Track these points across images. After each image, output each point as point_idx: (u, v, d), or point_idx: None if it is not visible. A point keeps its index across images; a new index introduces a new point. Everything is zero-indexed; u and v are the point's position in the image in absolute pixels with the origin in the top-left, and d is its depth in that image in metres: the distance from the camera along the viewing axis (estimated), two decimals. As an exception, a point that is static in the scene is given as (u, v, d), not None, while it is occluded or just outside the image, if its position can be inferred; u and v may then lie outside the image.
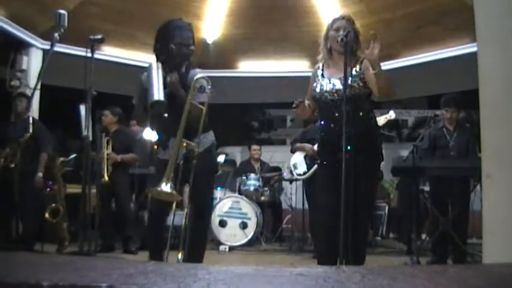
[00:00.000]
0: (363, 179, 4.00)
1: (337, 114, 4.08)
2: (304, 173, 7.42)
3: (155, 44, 4.56)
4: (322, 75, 4.31)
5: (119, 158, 7.53)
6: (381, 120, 6.70)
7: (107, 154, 7.45)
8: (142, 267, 1.75)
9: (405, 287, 1.28)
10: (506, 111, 2.87)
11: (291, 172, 8.74)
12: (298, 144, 7.65)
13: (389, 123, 7.39)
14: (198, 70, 4.55)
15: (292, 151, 7.78)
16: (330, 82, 4.23)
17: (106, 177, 7.26)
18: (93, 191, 6.50)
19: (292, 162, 7.72)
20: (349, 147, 3.76)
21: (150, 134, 7.84)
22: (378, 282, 1.32)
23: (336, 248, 3.79)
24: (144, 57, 9.85)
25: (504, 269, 1.76)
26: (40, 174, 7.06)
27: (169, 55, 4.45)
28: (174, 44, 4.43)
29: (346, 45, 4.02)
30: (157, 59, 4.50)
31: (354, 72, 4.14)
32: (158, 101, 4.24)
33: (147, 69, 4.37)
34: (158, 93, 4.24)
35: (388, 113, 6.96)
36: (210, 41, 9.76)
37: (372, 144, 4.17)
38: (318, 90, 4.27)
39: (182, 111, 4.29)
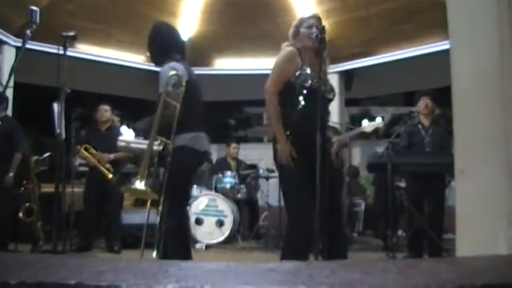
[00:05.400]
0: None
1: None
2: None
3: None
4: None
5: (112, 156, 7.44)
6: (369, 127, 6.72)
7: (96, 156, 7.39)
8: (114, 264, 1.72)
9: (376, 281, 1.28)
10: (478, 107, 2.89)
11: (267, 170, 8.76)
12: None
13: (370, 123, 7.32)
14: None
15: None
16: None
17: (110, 175, 7.25)
18: (69, 189, 6.43)
19: None
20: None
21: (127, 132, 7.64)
22: (348, 276, 1.31)
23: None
24: (119, 55, 9.81)
25: (476, 262, 1.77)
26: (11, 174, 6.95)
27: None
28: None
29: (322, 41, 4.07)
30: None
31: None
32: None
33: None
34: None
35: (375, 120, 6.99)
36: (185, 38, 9.71)
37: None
38: (302, 77, 4.19)
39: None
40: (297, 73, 4.19)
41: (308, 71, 4.19)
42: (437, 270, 1.52)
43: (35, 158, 7.37)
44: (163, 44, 4.79)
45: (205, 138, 4.68)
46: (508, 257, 2.25)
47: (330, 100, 4.39)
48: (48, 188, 7.29)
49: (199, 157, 4.62)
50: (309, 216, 3.99)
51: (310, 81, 4.14)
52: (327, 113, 4.44)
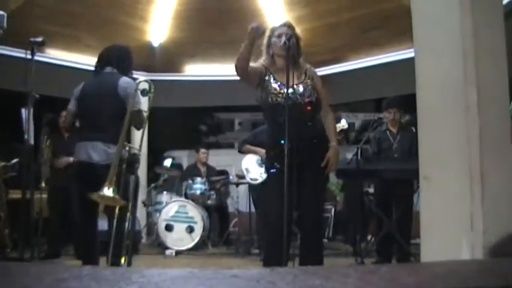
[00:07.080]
0: (312, 180, 4.09)
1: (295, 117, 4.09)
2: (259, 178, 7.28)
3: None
4: (273, 79, 4.32)
5: (71, 159, 7.34)
6: None
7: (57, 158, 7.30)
8: (78, 271, 1.71)
9: (336, 286, 1.29)
10: (442, 114, 2.93)
11: (237, 176, 8.74)
12: (250, 147, 7.54)
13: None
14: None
15: (242, 152, 7.70)
16: (280, 86, 4.25)
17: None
18: (37, 196, 6.34)
19: (244, 166, 7.65)
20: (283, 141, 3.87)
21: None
22: (310, 282, 1.32)
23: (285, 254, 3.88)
24: (89, 60, 9.74)
25: (436, 268, 1.79)
26: None
27: None
28: None
29: (289, 49, 4.10)
30: None
31: (303, 79, 4.26)
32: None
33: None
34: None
35: (340, 122, 7.02)
36: (156, 44, 9.70)
37: (322, 148, 4.23)
38: (269, 91, 4.28)
39: None
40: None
41: (274, 84, 4.27)
42: (397, 275, 1.54)
43: (3, 163, 7.26)
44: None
45: (91, 147, 4.70)
46: (469, 262, 2.28)
47: (309, 103, 4.31)
48: (17, 195, 7.19)
49: (80, 167, 4.75)
50: (273, 225, 4.09)
51: (270, 93, 4.25)
52: (303, 119, 4.32)
